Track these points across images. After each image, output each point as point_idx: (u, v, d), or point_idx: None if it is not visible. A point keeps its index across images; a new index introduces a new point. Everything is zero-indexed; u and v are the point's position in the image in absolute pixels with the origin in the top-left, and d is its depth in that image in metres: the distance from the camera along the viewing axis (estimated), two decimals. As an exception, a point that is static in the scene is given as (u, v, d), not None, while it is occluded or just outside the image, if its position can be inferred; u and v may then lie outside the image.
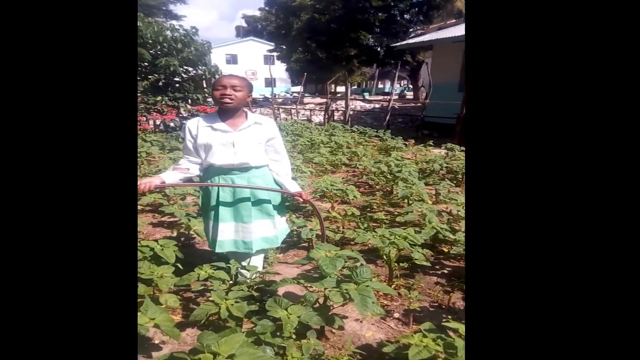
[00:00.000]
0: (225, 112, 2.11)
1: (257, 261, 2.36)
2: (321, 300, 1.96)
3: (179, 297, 1.94)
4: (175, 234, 3.22)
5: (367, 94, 34.27)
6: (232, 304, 1.80)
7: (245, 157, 2.11)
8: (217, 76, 10.56)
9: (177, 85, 10.01)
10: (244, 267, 2.20)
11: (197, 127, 2.13)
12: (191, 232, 3.08)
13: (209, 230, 2.24)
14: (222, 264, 2.15)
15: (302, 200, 2.29)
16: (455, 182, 5.16)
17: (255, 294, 2.00)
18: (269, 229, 2.24)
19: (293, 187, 2.30)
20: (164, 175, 2.07)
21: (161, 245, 2.27)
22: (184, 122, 9.56)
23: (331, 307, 1.90)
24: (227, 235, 2.18)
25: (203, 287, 2.14)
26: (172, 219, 3.66)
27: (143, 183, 1.94)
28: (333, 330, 2.03)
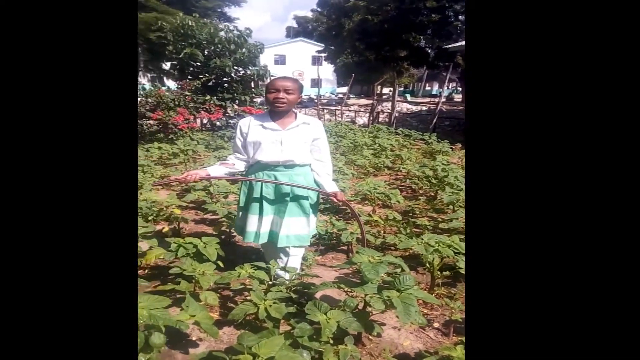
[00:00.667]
0: (276, 112, 2.20)
1: (295, 262, 2.38)
2: (360, 306, 1.92)
3: (217, 294, 1.96)
4: (216, 232, 3.28)
5: (409, 95, 33.95)
6: (271, 305, 1.80)
7: (290, 154, 2.19)
8: (266, 77, 10.73)
9: (226, 85, 10.22)
10: (282, 269, 2.21)
11: (249, 126, 2.24)
12: (232, 230, 3.12)
13: (247, 223, 2.29)
14: (262, 264, 2.16)
15: (337, 200, 2.32)
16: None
17: (294, 295, 1.99)
18: (302, 227, 2.28)
19: (331, 188, 2.33)
20: (210, 168, 2.23)
21: (204, 243, 2.31)
22: (230, 121, 9.78)
23: (370, 314, 1.86)
24: (265, 227, 2.26)
25: (242, 286, 2.16)
26: (214, 217, 3.73)
27: (189, 174, 2.07)
28: (370, 337, 1.99)
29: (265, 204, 2.24)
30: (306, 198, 2.28)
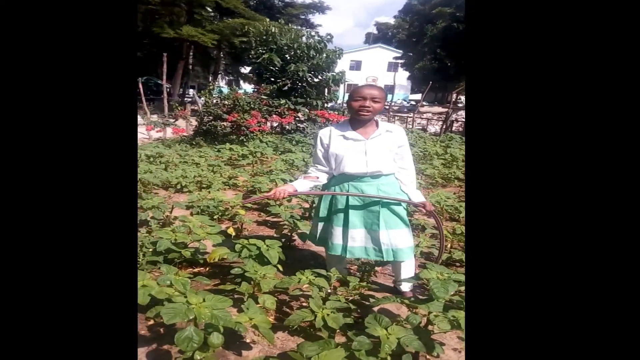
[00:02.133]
0: (358, 121, 2.14)
1: (409, 270, 2.30)
2: (422, 323, 1.83)
3: (275, 298, 1.96)
4: (278, 235, 3.30)
5: None
6: (329, 314, 1.76)
7: (377, 165, 2.14)
8: (341, 83, 10.78)
9: (301, 90, 10.38)
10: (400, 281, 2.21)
11: (329, 137, 2.19)
12: (294, 234, 3.13)
13: (332, 234, 2.23)
14: (323, 271, 2.13)
15: (425, 211, 2.26)
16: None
17: (353, 306, 1.94)
18: (406, 240, 2.20)
19: (417, 197, 2.26)
20: (296, 183, 2.21)
21: (267, 246, 2.33)
22: (299, 125, 9.91)
23: (432, 332, 1.77)
24: (358, 242, 2.19)
25: (299, 291, 2.14)
26: (275, 219, 3.76)
27: (278, 191, 2.09)
28: (429, 357, 1.89)
29: (352, 216, 2.18)
30: (398, 209, 2.21)
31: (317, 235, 2.36)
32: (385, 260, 2.16)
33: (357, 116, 2.09)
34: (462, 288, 2.06)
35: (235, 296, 2.11)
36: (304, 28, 13.51)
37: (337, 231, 2.21)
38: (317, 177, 2.25)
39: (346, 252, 2.18)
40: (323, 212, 2.31)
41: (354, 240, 2.17)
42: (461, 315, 1.60)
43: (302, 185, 2.20)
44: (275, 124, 10.30)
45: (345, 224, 2.19)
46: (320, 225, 2.33)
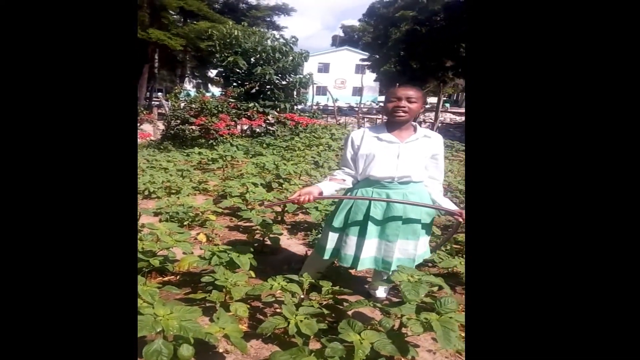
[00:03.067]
0: (394, 123, 2.03)
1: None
2: (396, 326, 1.83)
3: (247, 305, 1.92)
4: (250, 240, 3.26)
5: (448, 105, 34.78)
6: (302, 320, 1.74)
7: (407, 170, 2.01)
8: (309, 85, 10.81)
9: (269, 93, 10.36)
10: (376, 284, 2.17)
11: (362, 138, 2.08)
12: (266, 239, 3.09)
13: (345, 245, 2.10)
14: (295, 277, 2.11)
15: (461, 220, 2.05)
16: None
17: (326, 311, 1.93)
18: (410, 250, 2.10)
19: (450, 205, 2.12)
20: (322, 185, 2.05)
21: (238, 252, 2.28)
22: (270, 128, 9.87)
23: (405, 335, 1.76)
24: (370, 252, 2.08)
25: (272, 298, 2.11)
26: (248, 224, 3.71)
27: (302, 193, 1.94)
28: (404, 360, 1.89)
29: (370, 225, 2.05)
30: (418, 220, 2.07)
31: (329, 247, 2.17)
32: (390, 271, 2.04)
33: (392, 118, 1.99)
34: (435, 289, 2.08)
35: (207, 305, 2.07)
36: (269, 30, 13.52)
37: (352, 241, 2.09)
38: (344, 180, 2.11)
39: (358, 263, 2.06)
40: (339, 221, 2.14)
41: (367, 250, 2.06)
42: (433, 317, 1.60)
43: (328, 187, 2.05)
44: (245, 127, 10.23)
45: (362, 234, 2.07)
46: (334, 236, 2.16)
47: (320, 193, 1.99)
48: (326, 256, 2.17)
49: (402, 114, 1.95)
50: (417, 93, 1.97)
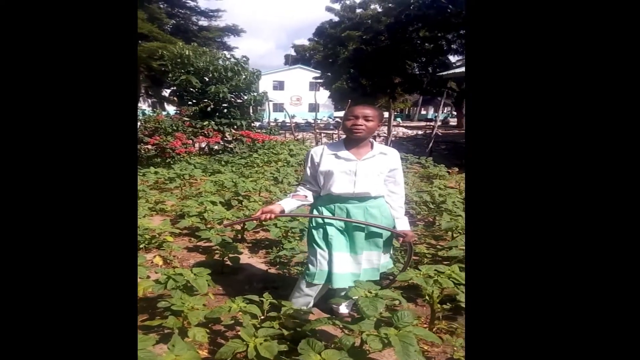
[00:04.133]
0: (352, 140, 2.10)
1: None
2: (357, 343, 1.83)
3: (207, 330, 1.87)
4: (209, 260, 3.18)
5: (399, 119, 35.93)
6: (261, 343, 1.71)
7: (365, 186, 2.07)
8: (263, 102, 10.89)
9: (225, 110, 10.34)
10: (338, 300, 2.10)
11: (321, 155, 2.13)
12: (226, 259, 3.03)
13: (317, 260, 2.11)
14: (255, 297, 2.07)
15: (406, 241, 2.18)
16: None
17: (286, 332, 1.90)
18: (374, 260, 2.17)
19: (403, 224, 2.20)
20: (283, 202, 2.11)
21: (195, 274, 2.22)
22: (228, 145, 9.80)
23: (367, 352, 1.76)
24: (344, 267, 2.10)
25: (233, 320, 2.06)
26: (207, 244, 3.62)
27: (264, 211, 1.99)
28: (368, 376, 1.88)
29: (339, 239, 2.10)
30: (380, 233, 2.14)
31: (319, 268, 2.11)
32: (352, 284, 2.01)
33: (350, 135, 2.06)
34: (396, 302, 2.10)
35: (166, 331, 1.99)
36: (219, 51, 13.64)
37: (320, 255, 2.10)
38: (306, 197, 2.17)
39: (332, 281, 2.06)
40: (312, 236, 2.14)
41: (341, 266, 2.08)
42: (392, 331, 1.60)
43: (289, 204, 2.11)
44: (203, 145, 10.10)
45: (330, 247, 2.09)
46: (322, 254, 2.11)
47: (282, 210, 2.04)
48: (319, 280, 2.12)
49: (360, 131, 2.01)
50: (374, 112, 2.04)
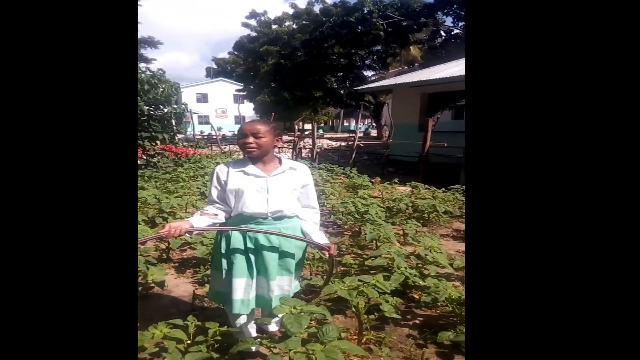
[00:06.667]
0: (254, 158, 2.00)
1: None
2: None
3: None
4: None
5: (322, 130, 37.17)
6: (189, 369, 1.66)
7: (278, 204, 1.97)
8: (184, 115, 10.62)
9: (145, 124, 9.92)
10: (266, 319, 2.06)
11: (227, 173, 2.00)
12: (149, 281, 2.90)
13: (234, 288, 1.98)
14: (180, 321, 2.00)
15: (328, 255, 2.06)
16: (422, 221, 5.17)
17: (215, 355, 1.86)
18: (285, 286, 2.07)
19: (321, 239, 2.09)
20: (192, 219, 1.94)
21: (114, 301, 2.10)
22: (151, 159, 9.40)
23: (297, 368, 1.77)
24: (250, 293, 2.01)
25: (158, 347, 1.98)
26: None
27: (172, 228, 1.80)
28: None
29: (251, 262, 1.99)
30: (293, 255, 2.05)
31: (219, 290, 2.07)
32: (273, 307, 1.96)
33: (245, 154, 1.98)
34: (322, 317, 2.12)
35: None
36: (139, 62, 13.17)
37: (240, 284, 1.98)
38: (216, 215, 2.00)
39: (237, 307, 1.97)
40: (224, 263, 2.02)
41: (247, 291, 1.99)
42: (317, 347, 1.61)
43: (199, 221, 1.94)
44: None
45: (250, 274, 1.99)
46: (223, 278, 2.03)
47: (191, 226, 1.90)
48: (217, 301, 2.05)
49: (251, 149, 1.94)
50: (265, 127, 1.95)
